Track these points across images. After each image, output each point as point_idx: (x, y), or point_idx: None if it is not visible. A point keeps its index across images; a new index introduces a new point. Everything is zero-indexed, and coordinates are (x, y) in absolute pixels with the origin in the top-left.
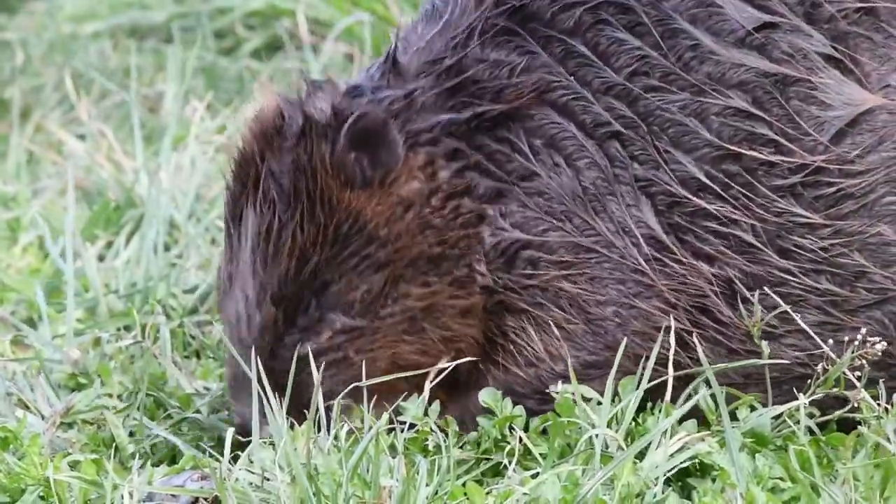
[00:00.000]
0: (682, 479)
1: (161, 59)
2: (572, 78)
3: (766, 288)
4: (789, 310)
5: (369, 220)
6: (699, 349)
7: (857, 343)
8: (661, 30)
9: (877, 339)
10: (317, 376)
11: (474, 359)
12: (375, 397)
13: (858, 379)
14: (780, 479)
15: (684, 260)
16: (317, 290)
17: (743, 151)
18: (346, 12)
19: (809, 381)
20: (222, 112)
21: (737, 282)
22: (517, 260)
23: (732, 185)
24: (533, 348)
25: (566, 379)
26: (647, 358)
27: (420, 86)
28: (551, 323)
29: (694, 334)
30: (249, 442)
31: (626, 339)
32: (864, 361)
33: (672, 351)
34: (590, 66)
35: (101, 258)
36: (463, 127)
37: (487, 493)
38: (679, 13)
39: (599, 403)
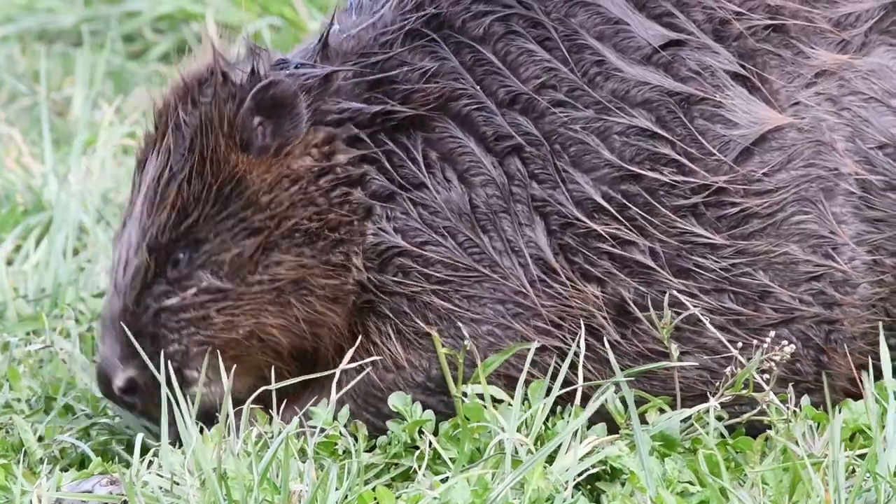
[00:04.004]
0: (591, 483)
1: (70, 63)
2: (478, 87)
3: (664, 308)
4: (700, 316)
5: (252, 184)
6: (580, 369)
7: (765, 346)
8: (567, 44)
9: (785, 342)
10: (226, 383)
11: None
12: (234, 367)
13: (767, 382)
14: (690, 482)
15: (569, 283)
16: (190, 245)
17: (643, 172)
18: (256, 16)
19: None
20: (131, 116)
21: (630, 303)
22: (390, 265)
23: (630, 206)
24: (393, 354)
25: (425, 390)
26: (563, 357)
27: (344, 70)
28: (413, 333)
29: (581, 355)
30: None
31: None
32: (772, 364)
33: (566, 365)
34: (497, 74)
35: (9, 262)
36: (369, 119)
37: (397, 498)
38: (586, 29)
39: (509, 406)
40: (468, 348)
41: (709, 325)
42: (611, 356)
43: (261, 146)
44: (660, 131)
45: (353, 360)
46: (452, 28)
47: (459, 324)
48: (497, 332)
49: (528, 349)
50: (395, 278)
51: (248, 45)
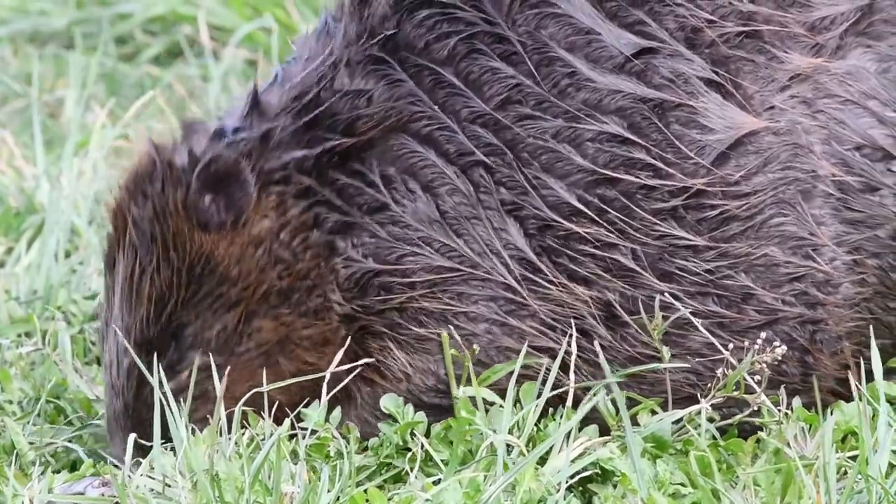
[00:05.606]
0: (583, 485)
1: (62, 65)
2: (437, 108)
3: (656, 311)
4: (693, 318)
5: (220, 260)
6: (571, 371)
7: (756, 347)
8: (537, 58)
9: (776, 343)
10: (219, 387)
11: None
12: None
13: (758, 383)
14: (682, 484)
15: (557, 281)
16: (175, 331)
17: (619, 176)
18: (248, 18)
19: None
20: (123, 118)
21: (617, 306)
22: (370, 287)
23: (609, 209)
24: (398, 364)
25: (438, 392)
26: (553, 359)
27: (279, 124)
28: (414, 339)
29: (573, 356)
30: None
31: (499, 355)
32: (763, 366)
33: (555, 368)
34: (460, 95)
35: (1, 264)
36: (315, 162)
37: (389, 500)
38: (556, 41)
39: (501, 407)
40: (476, 351)
41: (701, 328)
42: (601, 358)
43: (219, 222)
44: (633, 137)
45: (361, 378)
46: (413, 50)
47: (455, 322)
48: (494, 330)
49: (525, 350)
50: (379, 297)
51: (183, 123)
